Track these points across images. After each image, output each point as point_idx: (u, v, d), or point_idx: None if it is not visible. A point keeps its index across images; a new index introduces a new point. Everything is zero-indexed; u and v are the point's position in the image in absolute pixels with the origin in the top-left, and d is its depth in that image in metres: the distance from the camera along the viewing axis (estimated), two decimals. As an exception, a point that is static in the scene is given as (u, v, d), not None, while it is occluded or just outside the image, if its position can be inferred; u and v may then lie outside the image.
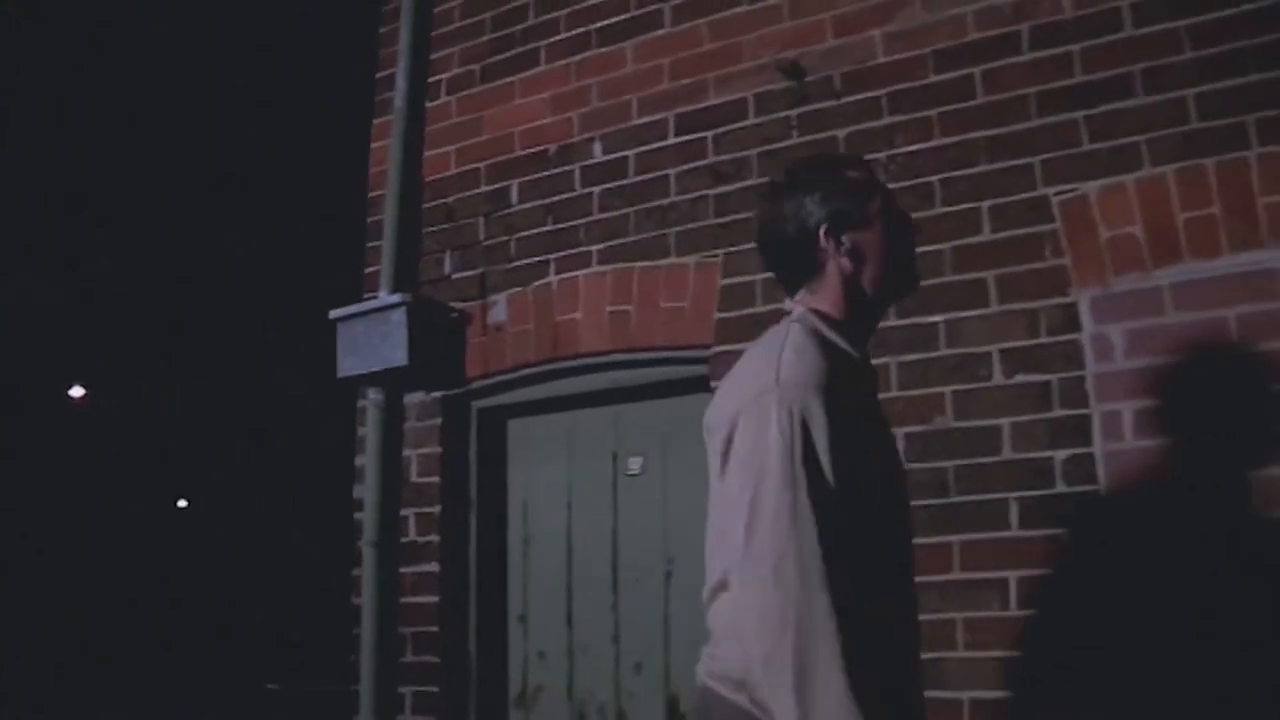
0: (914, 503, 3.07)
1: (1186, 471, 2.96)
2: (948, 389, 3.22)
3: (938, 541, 3.15)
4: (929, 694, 3.02)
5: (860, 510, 1.88)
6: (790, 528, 1.80)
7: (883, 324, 3.17)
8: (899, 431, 3.22)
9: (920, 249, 3.18)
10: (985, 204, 3.27)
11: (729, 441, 1.93)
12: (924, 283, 3.16)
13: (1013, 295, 3.19)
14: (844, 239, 2.06)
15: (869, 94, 3.48)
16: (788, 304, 2.14)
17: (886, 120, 3.44)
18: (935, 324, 3.26)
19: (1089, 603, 2.98)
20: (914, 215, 3.21)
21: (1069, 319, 3.11)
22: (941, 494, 3.17)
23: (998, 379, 3.16)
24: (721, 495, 1.97)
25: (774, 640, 1.77)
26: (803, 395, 1.87)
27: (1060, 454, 3.06)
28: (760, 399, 1.89)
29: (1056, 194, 3.19)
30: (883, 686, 1.81)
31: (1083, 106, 3.22)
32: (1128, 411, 3.03)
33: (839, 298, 2.07)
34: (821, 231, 2.06)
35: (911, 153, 3.39)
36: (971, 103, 3.35)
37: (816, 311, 2.07)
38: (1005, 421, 3.14)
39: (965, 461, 3.16)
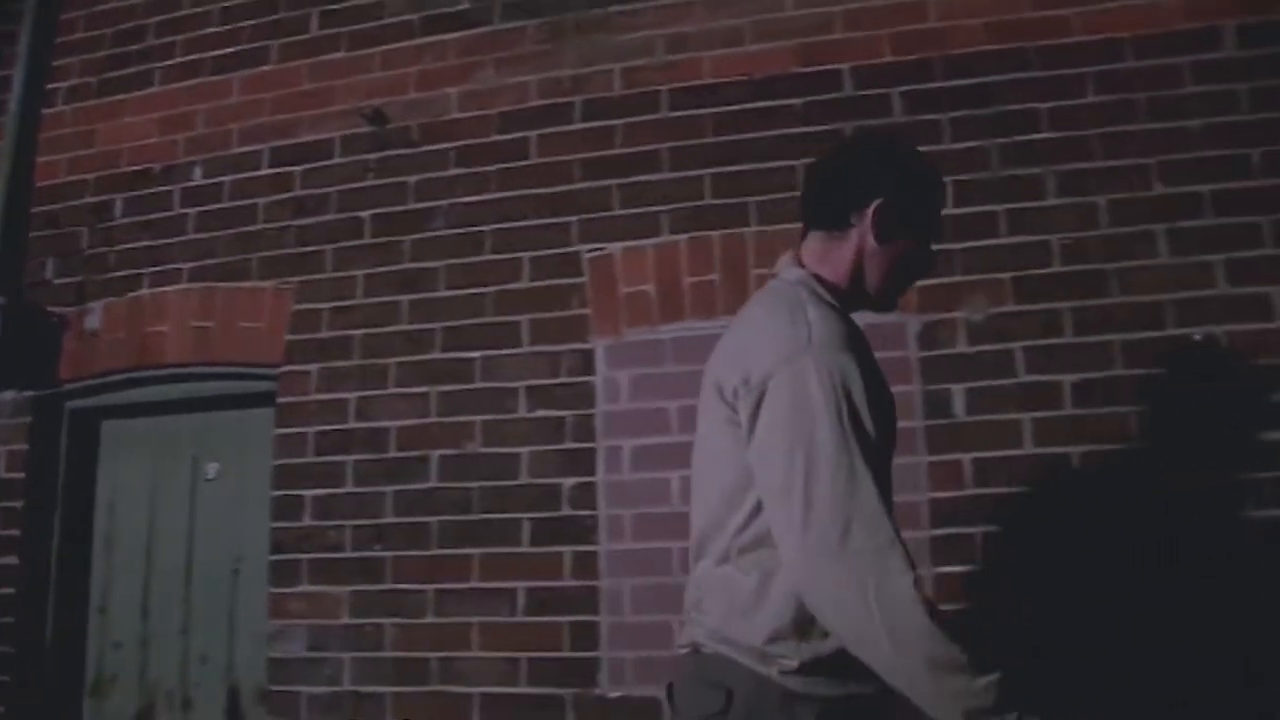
0: (442, 518, 3.47)
1: (677, 501, 3.42)
2: (479, 418, 3.59)
3: (461, 553, 3.52)
4: (447, 689, 3.41)
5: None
6: (850, 491, 1.77)
7: (430, 355, 3.56)
8: (433, 454, 3.59)
9: (467, 291, 3.59)
10: (527, 255, 3.66)
11: (758, 404, 1.88)
12: (467, 321, 3.57)
13: (542, 338, 3.59)
14: (885, 224, 2.05)
15: (440, 146, 3.84)
16: (784, 259, 2.15)
17: (453, 171, 3.80)
18: (473, 359, 3.63)
19: (588, 610, 3.41)
20: (465, 260, 3.62)
21: (586, 363, 3.54)
22: (466, 511, 3.54)
23: (522, 412, 3.56)
24: (720, 450, 1.97)
25: (860, 617, 1.74)
26: (839, 356, 1.85)
27: (568, 481, 3.49)
28: (794, 360, 1.86)
29: (588, 251, 3.61)
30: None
31: (618, 175, 3.66)
32: (627, 447, 3.47)
33: (847, 267, 2.07)
34: (877, 203, 2.05)
35: (470, 203, 3.75)
36: (525, 162, 3.75)
37: (817, 276, 2.07)
38: (525, 450, 3.54)
39: (489, 484, 3.54)
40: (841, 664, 1.82)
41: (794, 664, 1.82)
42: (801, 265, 2.11)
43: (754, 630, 1.85)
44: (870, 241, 2.05)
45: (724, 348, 2.04)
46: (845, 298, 2.07)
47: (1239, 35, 3.41)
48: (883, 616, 1.72)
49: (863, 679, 1.81)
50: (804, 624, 1.83)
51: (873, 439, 1.82)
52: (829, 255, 2.09)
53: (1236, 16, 3.42)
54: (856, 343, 1.92)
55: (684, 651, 2.00)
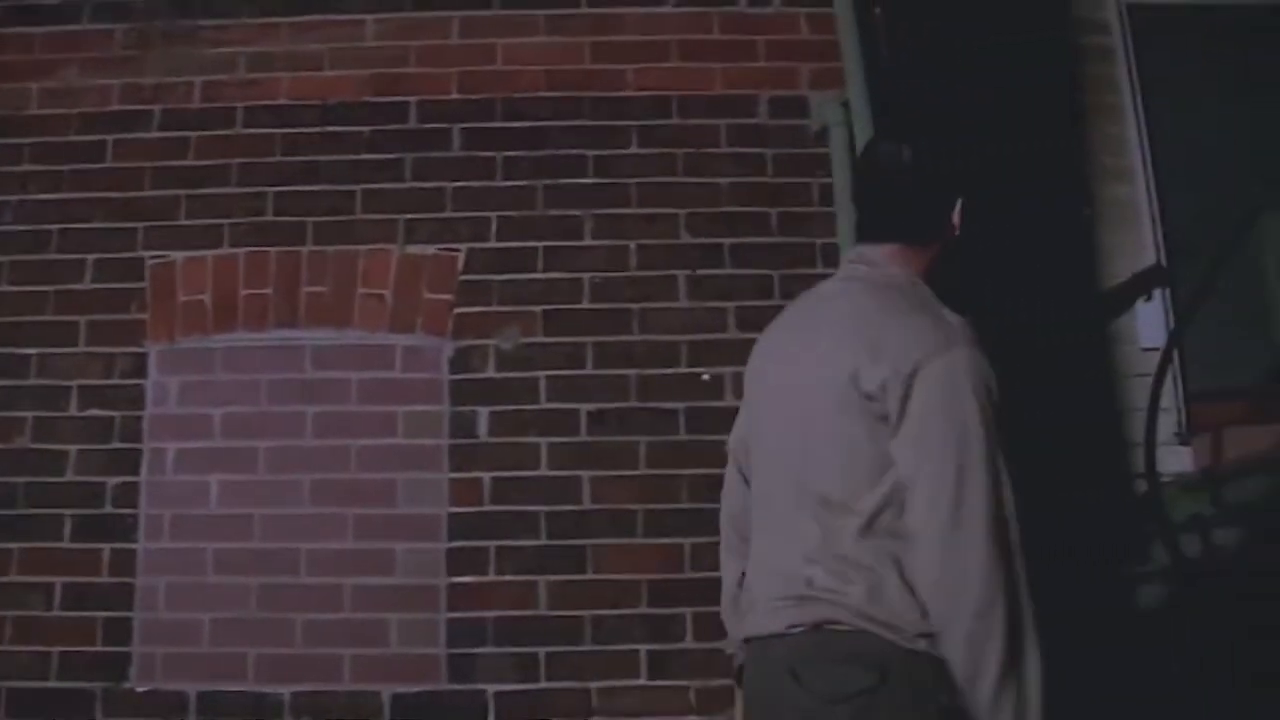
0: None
1: (215, 504, 3.57)
2: (31, 414, 3.65)
3: (1, 548, 3.57)
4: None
5: None
6: (998, 490, 1.90)
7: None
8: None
9: (29, 288, 3.63)
10: (92, 257, 3.73)
11: (907, 394, 1.94)
12: (26, 318, 3.62)
13: (99, 340, 3.67)
14: (963, 219, 2.20)
15: (16, 140, 3.83)
16: (871, 253, 2.21)
17: (26, 167, 3.81)
18: (30, 356, 3.67)
19: (123, 606, 3.53)
20: (29, 257, 3.67)
21: (139, 367, 3.64)
22: (10, 506, 3.58)
23: (73, 411, 3.64)
24: (843, 434, 2.00)
25: (990, 594, 1.84)
26: (986, 363, 1.97)
27: (113, 480, 3.58)
28: (944, 354, 1.96)
29: (151, 258, 3.72)
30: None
31: (187, 186, 3.76)
32: (172, 450, 3.60)
33: (927, 263, 2.18)
34: (960, 204, 2.20)
35: (41, 200, 3.78)
36: (99, 165, 3.80)
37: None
38: (73, 448, 3.61)
39: (36, 479, 3.60)
40: None
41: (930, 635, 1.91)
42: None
43: (901, 608, 1.91)
44: (952, 235, 2.21)
45: (839, 338, 2.07)
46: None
47: (770, 105, 3.77)
48: (1008, 612, 1.86)
49: None
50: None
51: (1007, 437, 1.95)
52: (912, 258, 2.18)
53: (768, 88, 3.78)
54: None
55: (798, 631, 2.01)
